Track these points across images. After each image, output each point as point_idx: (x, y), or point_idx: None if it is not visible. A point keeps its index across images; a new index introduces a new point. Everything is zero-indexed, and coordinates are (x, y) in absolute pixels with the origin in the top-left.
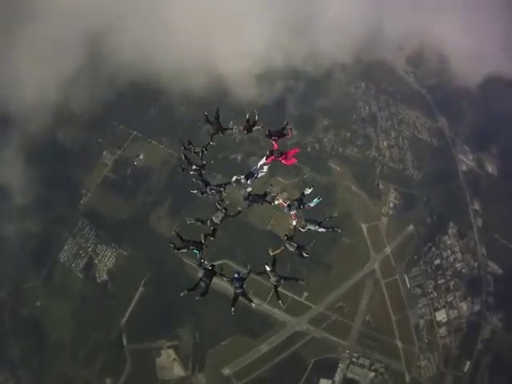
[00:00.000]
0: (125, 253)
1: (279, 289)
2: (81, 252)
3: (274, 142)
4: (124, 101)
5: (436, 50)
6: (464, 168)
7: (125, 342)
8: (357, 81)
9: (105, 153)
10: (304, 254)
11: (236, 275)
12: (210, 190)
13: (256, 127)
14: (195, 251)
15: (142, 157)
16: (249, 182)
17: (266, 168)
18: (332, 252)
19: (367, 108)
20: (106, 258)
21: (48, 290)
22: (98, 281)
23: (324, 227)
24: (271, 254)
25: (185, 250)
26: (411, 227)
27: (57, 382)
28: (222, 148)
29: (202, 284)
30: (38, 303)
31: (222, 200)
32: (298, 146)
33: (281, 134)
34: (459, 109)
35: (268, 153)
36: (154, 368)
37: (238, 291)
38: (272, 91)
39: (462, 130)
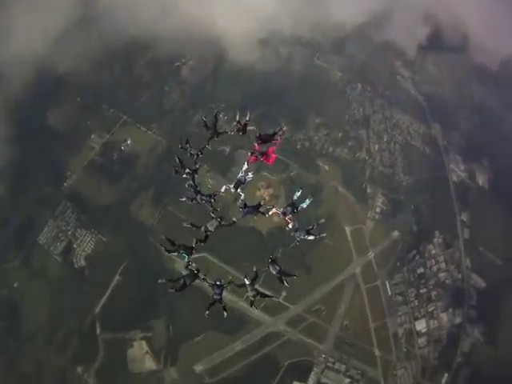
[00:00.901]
0: (104, 239)
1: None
2: (60, 235)
3: (256, 144)
4: (115, 81)
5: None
6: (455, 178)
7: (98, 331)
8: (353, 81)
9: (93, 136)
10: (284, 282)
11: (218, 282)
12: (201, 199)
13: (249, 128)
14: (184, 255)
15: (129, 142)
16: (239, 190)
17: (250, 174)
18: (313, 253)
19: (361, 110)
20: (85, 243)
21: (26, 272)
22: (76, 266)
23: (313, 234)
24: (254, 269)
25: (175, 254)
26: (396, 233)
27: (30, 366)
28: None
29: (182, 282)
30: (16, 284)
31: (216, 209)
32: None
33: (271, 137)
34: (454, 118)
35: (249, 154)
36: (125, 359)
37: (216, 297)
38: (274, 58)
39: (455, 139)
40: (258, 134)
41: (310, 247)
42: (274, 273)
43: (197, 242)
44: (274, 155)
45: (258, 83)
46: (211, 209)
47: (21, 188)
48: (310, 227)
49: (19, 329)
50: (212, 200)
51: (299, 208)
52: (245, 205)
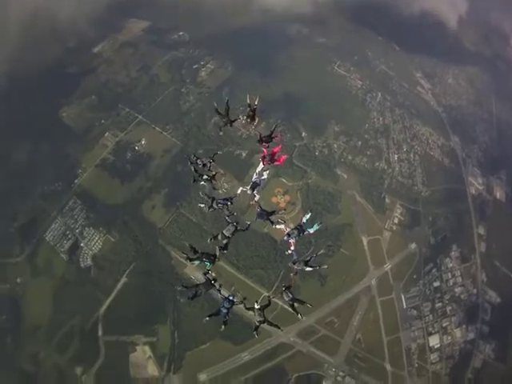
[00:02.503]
0: (112, 239)
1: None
2: (67, 233)
3: (264, 149)
4: (132, 81)
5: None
6: (473, 191)
7: (100, 333)
8: (373, 90)
9: (107, 134)
10: (299, 315)
11: (231, 297)
12: (217, 203)
13: (256, 121)
14: (207, 263)
15: (144, 142)
16: (255, 192)
17: (266, 174)
18: (328, 262)
19: (381, 119)
20: (93, 243)
21: (30, 268)
22: (82, 265)
23: (311, 266)
24: (268, 297)
25: (197, 262)
26: (414, 245)
27: (28, 363)
28: (227, 143)
29: (198, 290)
30: (19, 280)
31: (232, 214)
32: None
33: (270, 138)
34: (473, 131)
35: (260, 159)
36: (127, 363)
37: (223, 310)
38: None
39: (474, 152)
40: (258, 138)
41: (325, 257)
42: (287, 300)
43: (220, 250)
44: (283, 156)
45: (277, 87)
46: (227, 213)
47: (30, 183)
48: (308, 258)
49: (19, 325)
50: (228, 203)
51: (306, 232)
52: (259, 207)
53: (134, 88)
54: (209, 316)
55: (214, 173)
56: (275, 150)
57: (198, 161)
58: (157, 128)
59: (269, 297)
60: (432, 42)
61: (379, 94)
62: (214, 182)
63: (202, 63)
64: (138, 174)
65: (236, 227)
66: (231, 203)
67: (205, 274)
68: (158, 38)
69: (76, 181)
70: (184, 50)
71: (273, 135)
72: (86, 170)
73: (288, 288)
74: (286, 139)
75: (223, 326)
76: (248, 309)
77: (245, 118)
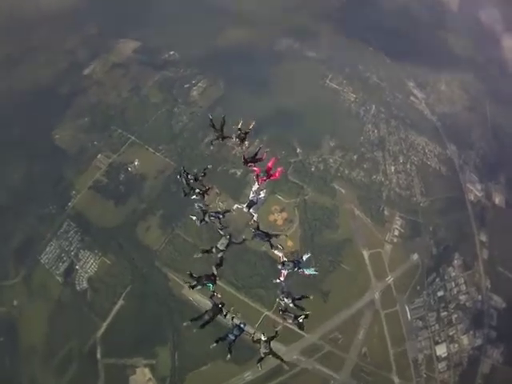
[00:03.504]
0: (108, 262)
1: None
2: (63, 255)
3: (254, 169)
4: (124, 102)
5: None
6: (472, 198)
7: (99, 356)
8: (367, 103)
9: (99, 156)
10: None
11: (242, 325)
12: (209, 217)
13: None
14: (209, 285)
15: (137, 163)
16: (251, 210)
17: (262, 193)
18: (330, 278)
19: (376, 131)
20: (88, 265)
21: (26, 290)
22: (78, 288)
23: (296, 305)
24: (275, 329)
25: (199, 287)
26: (416, 256)
27: None
28: (221, 161)
29: (206, 316)
30: (15, 302)
31: (225, 227)
32: (271, 157)
33: (255, 159)
34: (469, 137)
35: (254, 178)
36: None
37: (231, 337)
38: None
39: (471, 158)
40: (243, 160)
41: (326, 273)
42: (291, 321)
43: (217, 268)
44: (279, 169)
45: (269, 104)
46: (220, 225)
47: (25, 206)
48: (298, 297)
49: (16, 348)
50: (220, 217)
51: (300, 270)
52: (258, 227)
53: (125, 109)
54: (216, 342)
55: (206, 187)
56: (269, 164)
57: (189, 176)
58: (150, 149)
59: (276, 331)
60: (422, 49)
61: (373, 106)
62: (206, 196)
63: (194, 82)
64: (131, 196)
65: (230, 240)
66: (223, 217)
67: (211, 297)
68: (148, 57)
69: (70, 203)
70: (175, 70)
71: (257, 156)
72: (79, 193)
73: (285, 312)
74: (278, 156)
75: (229, 355)
76: (254, 341)
77: (236, 139)
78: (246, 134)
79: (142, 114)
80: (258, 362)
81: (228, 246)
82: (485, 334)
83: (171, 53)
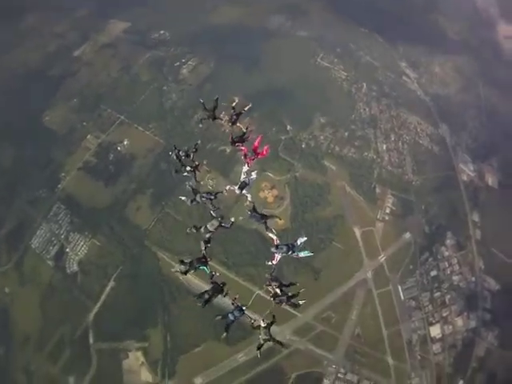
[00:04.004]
0: (98, 243)
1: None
2: (53, 239)
3: (241, 148)
4: (113, 81)
5: None
6: (464, 178)
7: (91, 340)
8: (358, 81)
9: (89, 136)
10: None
11: (243, 307)
12: (201, 197)
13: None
14: (202, 267)
15: (126, 142)
16: (244, 191)
17: (254, 173)
18: (322, 256)
19: (367, 109)
20: (78, 248)
21: (18, 276)
22: (68, 271)
23: (285, 293)
24: (273, 316)
25: (193, 271)
26: (408, 235)
27: (20, 374)
28: (210, 139)
29: (206, 295)
30: (7, 289)
31: (217, 208)
32: (256, 134)
33: (242, 138)
34: (462, 118)
35: (242, 157)
36: (120, 371)
37: (231, 317)
38: None
39: (463, 139)
40: (230, 140)
41: (318, 250)
42: (285, 304)
43: (205, 247)
44: (265, 147)
45: (260, 82)
46: (211, 207)
47: (14, 190)
48: (287, 283)
49: (10, 336)
50: (212, 198)
51: (295, 254)
52: (254, 208)
53: (115, 88)
54: (218, 316)
55: (196, 163)
56: (255, 143)
57: (181, 152)
58: (139, 127)
59: (273, 316)
60: (416, 31)
61: (364, 84)
62: (197, 172)
63: (184, 60)
64: (121, 175)
65: (220, 223)
66: (215, 197)
67: (211, 278)
68: (138, 37)
69: (59, 185)
70: (165, 49)
71: (245, 136)
72: (68, 174)
73: (275, 296)
74: (262, 134)
75: (225, 334)
76: (254, 327)
77: (227, 120)
78: (239, 115)
79: (132, 93)
80: (258, 349)
81: (217, 228)
82: (479, 316)
83: (161, 32)
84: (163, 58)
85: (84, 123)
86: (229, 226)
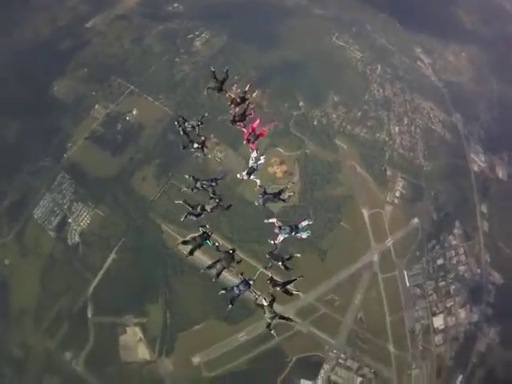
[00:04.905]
0: (101, 213)
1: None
2: (55, 209)
3: (243, 130)
4: (124, 52)
5: None
6: (475, 168)
7: (90, 314)
8: (373, 63)
9: (97, 106)
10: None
11: (250, 281)
12: (202, 185)
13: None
14: (206, 242)
15: (135, 112)
16: (252, 177)
17: (262, 158)
18: (329, 237)
19: (381, 91)
20: (81, 218)
21: (18, 248)
22: (70, 242)
23: (285, 266)
24: (270, 292)
25: (198, 249)
26: (416, 220)
27: (17, 348)
28: (221, 111)
29: (219, 267)
30: (7, 261)
31: (218, 196)
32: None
33: (243, 117)
34: (474, 108)
35: (245, 142)
36: (117, 346)
37: (236, 291)
38: None
39: (476, 129)
40: (231, 120)
41: (326, 230)
42: (279, 290)
43: (203, 228)
44: (263, 129)
45: (274, 57)
46: (212, 193)
47: (18, 160)
48: (287, 257)
49: (7, 309)
50: (213, 184)
51: (298, 234)
52: (264, 192)
53: (126, 59)
54: (223, 290)
55: (203, 138)
56: (254, 125)
57: (187, 124)
58: (149, 98)
59: (272, 295)
60: (431, 19)
61: (379, 66)
62: (205, 149)
63: (197, 33)
64: (128, 145)
65: (218, 203)
66: (216, 184)
67: (217, 249)
68: (152, 10)
69: (65, 155)
70: (178, 22)
71: (246, 113)
72: (75, 144)
73: (272, 280)
74: (280, 109)
75: (230, 306)
76: (257, 306)
77: (233, 99)
78: (244, 100)
79: (143, 64)
80: (267, 328)
81: (213, 209)
82: (481, 310)
83: (175, 5)
84: (176, 30)
85: (93, 93)
86: (226, 207)
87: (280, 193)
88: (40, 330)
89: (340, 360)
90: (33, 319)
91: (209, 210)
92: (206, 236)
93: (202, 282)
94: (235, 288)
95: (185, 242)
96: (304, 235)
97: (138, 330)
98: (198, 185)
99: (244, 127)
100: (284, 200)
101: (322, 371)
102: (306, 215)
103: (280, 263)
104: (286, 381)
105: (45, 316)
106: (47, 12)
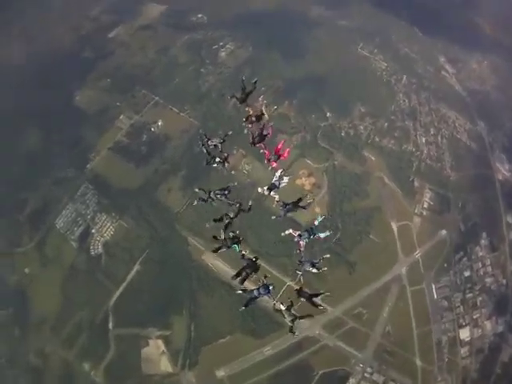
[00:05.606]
0: (126, 225)
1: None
2: (79, 219)
3: (264, 151)
4: (150, 62)
5: None
6: (500, 177)
7: (111, 326)
8: (398, 73)
9: (121, 116)
10: (323, 308)
11: (270, 286)
12: (215, 194)
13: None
14: (234, 245)
15: (160, 123)
16: (272, 193)
17: (286, 178)
18: (357, 249)
19: (407, 101)
20: (105, 229)
21: (39, 257)
22: (92, 253)
23: (317, 268)
24: (290, 300)
25: (224, 249)
26: (444, 232)
27: (35, 358)
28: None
29: (244, 274)
30: (27, 270)
31: (234, 203)
32: (280, 139)
33: (262, 137)
34: (498, 117)
35: (266, 162)
36: (138, 359)
37: (255, 293)
38: None
39: (500, 138)
40: (251, 141)
41: (354, 243)
42: (304, 300)
43: (225, 231)
44: (286, 150)
45: (299, 68)
46: (227, 201)
47: (41, 169)
48: (316, 261)
49: (27, 317)
50: (226, 193)
51: (316, 236)
52: (284, 204)
53: (151, 70)
54: (246, 306)
55: (226, 154)
56: (279, 146)
57: (209, 142)
58: (174, 109)
59: (291, 301)
60: (453, 27)
61: (404, 76)
62: (227, 164)
63: (222, 44)
64: (153, 157)
65: (240, 208)
66: (229, 192)
67: (242, 256)
68: (175, 20)
69: (88, 165)
70: (203, 32)
71: (264, 133)
72: (99, 154)
73: (300, 290)
74: (307, 120)
75: (243, 307)
76: (276, 310)
77: (250, 116)
78: (260, 119)
79: (169, 75)
80: (291, 332)
81: (237, 214)
82: (507, 321)
83: (199, 16)
84: (201, 40)
85: (118, 103)
86: (247, 209)
87: (299, 201)
88: (59, 340)
89: (366, 374)
90: (52, 329)
91: (233, 216)
92: (236, 240)
93: (228, 296)
94: (255, 290)
95: (215, 237)
96: (322, 235)
97: (160, 342)
98: (212, 195)
99: (265, 148)
100: (304, 207)
101: None
102: (334, 228)
103: (311, 268)
104: None
105: (64, 326)
106: (69, 22)
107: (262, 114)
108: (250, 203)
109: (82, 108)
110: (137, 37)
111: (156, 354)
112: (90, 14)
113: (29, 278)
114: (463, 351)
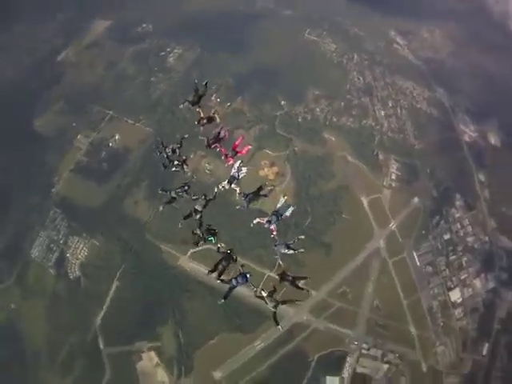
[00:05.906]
0: (97, 243)
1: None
2: (52, 246)
3: (220, 149)
4: (98, 78)
5: None
6: (466, 138)
7: (102, 345)
8: (348, 52)
9: (79, 136)
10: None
11: (248, 275)
12: (176, 193)
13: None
14: (210, 238)
15: (117, 137)
16: (233, 185)
17: (244, 169)
18: (331, 230)
19: (361, 78)
20: (78, 251)
21: (21, 290)
22: (71, 277)
23: (292, 249)
24: (273, 286)
25: (202, 242)
26: (416, 200)
27: None
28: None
29: (220, 267)
30: (13, 305)
31: (198, 197)
32: (238, 135)
33: (217, 139)
34: (457, 81)
35: (223, 158)
36: (135, 374)
37: (234, 283)
38: None
39: (461, 101)
40: (206, 143)
41: (327, 224)
42: (287, 284)
43: (200, 229)
44: (246, 147)
45: (248, 62)
46: (190, 196)
47: (9, 201)
48: (291, 242)
49: (23, 353)
50: (186, 188)
51: (283, 216)
52: (245, 194)
53: (100, 85)
54: (219, 279)
55: (184, 157)
56: (236, 143)
57: (167, 149)
58: (129, 121)
59: (274, 286)
60: (402, 2)
61: (355, 54)
62: (185, 166)
63: (169, 50)
64: (115, 172)
65: (206, 199)
66: (189, 187)
67: (217, 250)
68: (121, 33)
69: (53, 190)
70: (149, 41)
71: (220, 136)
72: (61, 177)
73: (282, 274)
74: (263, 111)
75: (223, 300)
76: (257, 297)
77: (201, 122)
78: (211, 120)
79: (119, 88)
80: (274, 321)
81: (205, 205)
82: (497, 276)
83: (144, 25)
84: (147, 49)
85: (73, 124)
86: (213, 197)
87: (259, 190)
88: (55, 369)
89: (363, 351)
90: (47, 358)
91: (201, 209)
92: (212, 232)
93: (209, 296)
94: (233, 280)
95: (193, 233)
96: (288, 213)
97: (153, 354)
98: (173, 194)
99: (221, 146)
100: (265, 195)
101: (346, 365)
102: (304, 213)
103: (286, 249)
104: (313, 380)
105: (58, 353)
106: (23, 48)
107: (214, 115)
108: (215, 190)
109: (42, 133)
110: (84, 56)
111: (150, 366)
112: (43, 38)
113: (16, 313)
114: (457, 313)
